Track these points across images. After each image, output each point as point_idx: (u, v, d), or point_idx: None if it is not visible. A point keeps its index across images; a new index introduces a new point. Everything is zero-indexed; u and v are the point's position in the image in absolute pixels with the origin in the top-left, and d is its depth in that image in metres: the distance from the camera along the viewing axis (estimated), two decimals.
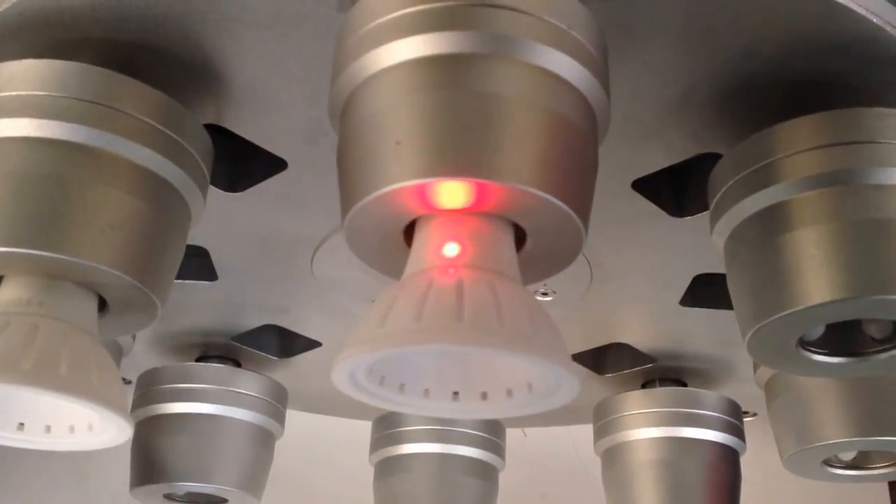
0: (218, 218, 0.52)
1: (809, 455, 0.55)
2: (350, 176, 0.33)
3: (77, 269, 0.37)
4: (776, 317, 0.38)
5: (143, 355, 0.69)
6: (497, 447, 0.71)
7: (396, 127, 0.31)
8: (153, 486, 0.62)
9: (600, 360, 0.70)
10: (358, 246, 0.34)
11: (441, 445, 0.68)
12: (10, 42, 0.40)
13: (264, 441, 0.66)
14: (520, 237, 0.34)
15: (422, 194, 0.31)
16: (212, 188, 0.45)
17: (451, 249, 0.31)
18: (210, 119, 0.45)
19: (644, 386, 0.71)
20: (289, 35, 0.40)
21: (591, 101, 0.34)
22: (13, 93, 0.37)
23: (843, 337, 0.43)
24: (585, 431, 0.72)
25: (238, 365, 0.70)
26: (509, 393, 0.33)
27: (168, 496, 0.64)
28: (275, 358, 0.70)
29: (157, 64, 0.41)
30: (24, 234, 0.35)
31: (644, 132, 0.45)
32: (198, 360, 0.70)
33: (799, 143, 0.39)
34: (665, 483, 0.63)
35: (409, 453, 0.68)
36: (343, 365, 0.30)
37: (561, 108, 0.32)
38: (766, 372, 0.59)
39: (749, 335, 0.40)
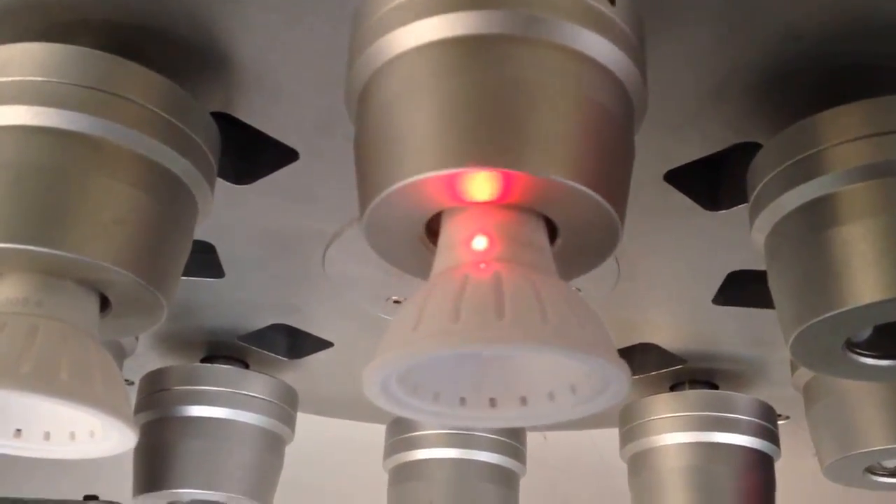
0: (225, 212, 0.51)
1: (851, 462, 0.54)
2: (369, 166, 0.32)
3: (78, 266, 0.36)
4: (822, 318, 0.37)
5: (145, 356, 0.69)
6: (518, 452, 0.69)
7: (419, 114, 0.30)
8: (157, 493, 0.61)
9: (627, 361, 0.68)
10: (377, 241, 0.33)
11: (459, 451, 0.67)
12: (5, 24, 0.40)
13: (273, 446, 0.65)
14: (550, 233, 0.32)
15: (447, 186, 0.30)
16: (219, 180, 0.44)
17: (484, 243, 0.30)
18: (217, 107, 0.44)
19: (673, 388, 0.70)
20: (301, 17, 0.39)
21: (627, 86, 0.33)
22: (9, 78, 0.36)
23: (892, 338, 0.41)
24: (609, 435, 0.71)
25: (245, 366, 0.69)
26: (551, 396, 0.32)
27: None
28: (284, 359, 0.70)
29: (161, 47, 0.40)
30: (21, 229, 0.34)
31: (679, 121, 0.44)
32: (203, 360, 0.69)
33: (846, 131, 0.38)
34: (696, 491, 0.62)
35: (425, 459, 0.67)
36: (375, 372, 0.29)
37: (596, 94, 0.31)
38: (804, 374, 0.58)
39: (793, 337, 0.39)
